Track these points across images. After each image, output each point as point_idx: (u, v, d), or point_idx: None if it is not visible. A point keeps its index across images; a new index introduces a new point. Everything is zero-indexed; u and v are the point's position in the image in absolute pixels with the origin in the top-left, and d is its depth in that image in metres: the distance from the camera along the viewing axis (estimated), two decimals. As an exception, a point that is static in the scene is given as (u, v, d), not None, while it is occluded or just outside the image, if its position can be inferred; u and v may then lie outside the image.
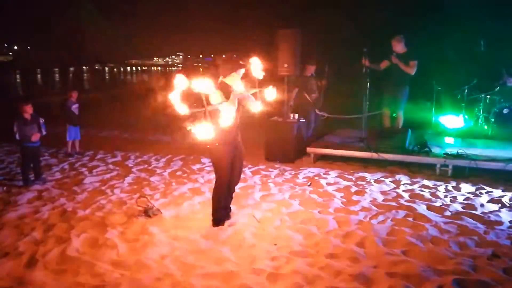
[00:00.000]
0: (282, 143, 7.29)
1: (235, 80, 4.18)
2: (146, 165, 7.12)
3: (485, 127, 8.10)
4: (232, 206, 4.78)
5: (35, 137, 5.94)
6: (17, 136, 5.87)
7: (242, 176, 6.13)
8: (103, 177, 6.38)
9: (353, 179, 6.23)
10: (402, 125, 7.90)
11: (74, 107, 7.72)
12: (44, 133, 6.10)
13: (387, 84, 7.72)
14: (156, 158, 7.61)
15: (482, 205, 5.08)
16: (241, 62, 4.22)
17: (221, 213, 4.48)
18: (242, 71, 4.22)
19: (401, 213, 4.80)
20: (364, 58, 7.13)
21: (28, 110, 5.92)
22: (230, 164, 4.40)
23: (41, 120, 6.05)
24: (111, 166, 7.05)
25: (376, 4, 11.00)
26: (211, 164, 4.44)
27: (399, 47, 7.58)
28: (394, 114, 7.97)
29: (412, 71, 7.45)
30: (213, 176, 6.33)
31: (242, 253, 3.85)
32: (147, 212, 4.75)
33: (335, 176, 6.38)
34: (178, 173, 6.64)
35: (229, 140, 4.29)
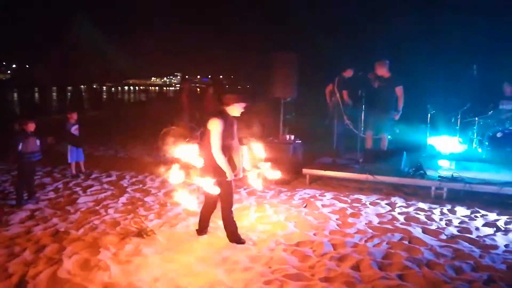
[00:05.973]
0: (278, 164, 7.28)
1: (235, 111, 4.40)
2: (141, 185, 7.08)
3: (479, 150, 8.16)
4: None
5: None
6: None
7: (237, 197, 6.19)
8: (97, 197, 6.33)
9: (349, 201, 6.22)
10: (397, 147, 7.93)
11: (74, 129, 7.53)
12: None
13: (372, 107, 7.77)
14: (151, 178, 7.58)
15: (477, 229, 5.07)
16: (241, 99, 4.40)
17: (238, 233, 4.60)
18: (243, 105, 4.41)
19: (397, 236, 4.78)
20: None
21: (31, 127, 5.93)
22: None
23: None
24: (105, 186, 7.01)
25: (373, 29, 11.24)
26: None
27: (382, 70, 7.76)
28: (377, 136, 8.10)
29: (401, 95, 7.69)
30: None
31: (236, 276, 3.80)
32: (141, 233, 4.70)
33: (331, 198, 6.36)
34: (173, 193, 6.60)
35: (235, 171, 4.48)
